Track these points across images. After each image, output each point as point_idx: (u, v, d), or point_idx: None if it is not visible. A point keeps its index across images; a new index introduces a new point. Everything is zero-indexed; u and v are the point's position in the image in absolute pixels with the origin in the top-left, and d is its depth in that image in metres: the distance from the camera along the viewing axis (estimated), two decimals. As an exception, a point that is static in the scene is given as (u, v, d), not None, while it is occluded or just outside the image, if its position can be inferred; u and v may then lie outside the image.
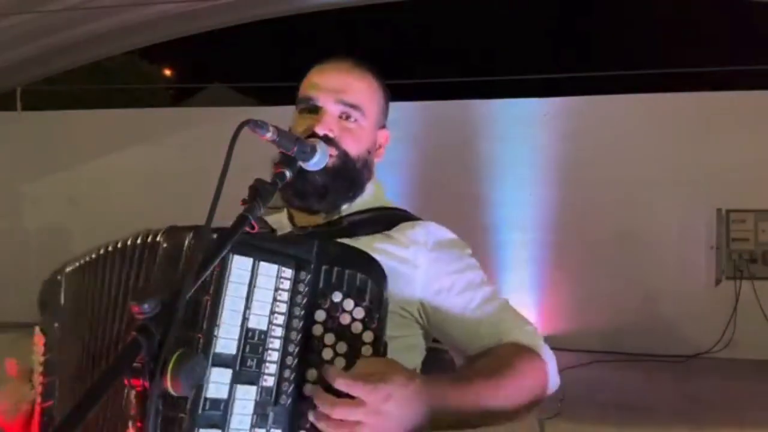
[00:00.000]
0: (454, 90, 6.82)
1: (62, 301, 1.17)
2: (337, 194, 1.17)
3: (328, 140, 1.14)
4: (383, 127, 1.28)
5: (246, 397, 0.88)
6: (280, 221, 1.24)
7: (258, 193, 0.95)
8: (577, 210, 5.74)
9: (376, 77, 1.25)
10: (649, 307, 5.67)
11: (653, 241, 5.66)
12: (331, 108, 1.18)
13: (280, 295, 0.92)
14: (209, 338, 0.86)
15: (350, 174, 1.18)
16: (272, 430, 0.89)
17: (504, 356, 1.04)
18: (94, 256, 1.10)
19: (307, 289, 0.94)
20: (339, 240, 1.06)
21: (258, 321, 0.90)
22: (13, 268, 6.69)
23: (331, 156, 1.13)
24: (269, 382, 0.90)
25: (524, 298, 5.78)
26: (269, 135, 1.01)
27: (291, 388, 0.91)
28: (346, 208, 1.21)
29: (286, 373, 0.91)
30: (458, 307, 1.12)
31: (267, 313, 0.91)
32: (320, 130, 1.15)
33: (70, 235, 6.82)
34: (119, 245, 1.05)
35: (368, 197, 1.24)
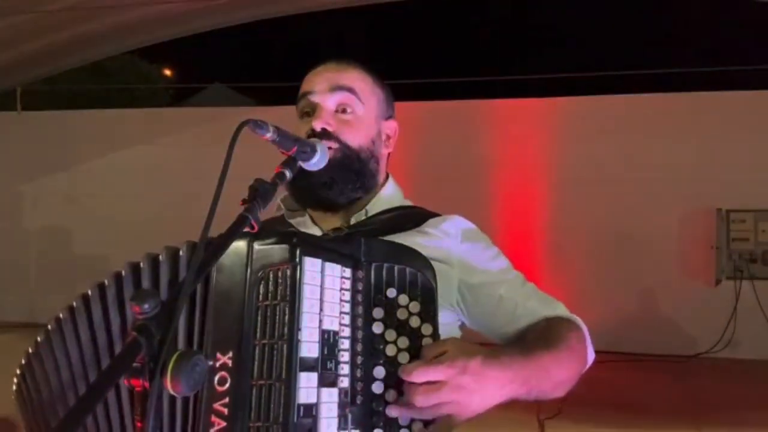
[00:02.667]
0: (454, 90, 6.83)
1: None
2: (343, 184, 1.16)
3: (326, 134, 1.14)
4: (389, 118, 1.27)
5: (330, 399, 0.89)
6: (304, 224, 1.23)
7: (258, 193, 0.94)
8: (576, 210, 5.74)
9: (369, 71, 1.24)
10: (649, 307, 5.67)
11: (653, 241, 5.66)
12: (327, 102, 1.17)
13: (343, 295, 0.94)
14: (293, 343, 0.87)
15: (353, 165, 1.17)
16: (352, 430, 0.91)
17: (551, 328, 1.09)
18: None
19: (363, 287, 0.96)
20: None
21: (330, 322, 0.92)
22: (13, 268, 6.70)
23: (330, 149, 1.13)
24: (345, 383, 0.91)
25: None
26: (269, 135, 1.00)
27: (363, 387, 0.92)
28: (371, 206, 1.21)
29: (358, 373, 0.93)
30: (495, 293, 1.16)
31: (336, 313, 0.93)
32: (317, 126, 1.14)
33: (70, 235, 6.83)
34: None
35: (392, 195, 1.26)
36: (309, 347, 0.89)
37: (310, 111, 1.18)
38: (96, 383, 0.70)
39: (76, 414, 0.67)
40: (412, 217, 1.20)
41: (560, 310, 1.18)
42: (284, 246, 0.91)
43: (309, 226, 1.22)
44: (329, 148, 1.12)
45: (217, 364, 0.90)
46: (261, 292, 0.91)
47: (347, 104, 1.18)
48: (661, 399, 4.51)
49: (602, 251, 5.67)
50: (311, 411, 0.87)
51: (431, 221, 1.19)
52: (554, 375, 1.02)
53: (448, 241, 1.16)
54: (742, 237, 5.56)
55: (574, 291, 5.77)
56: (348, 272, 0.95)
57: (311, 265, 0.91)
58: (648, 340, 5.51)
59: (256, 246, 0.93)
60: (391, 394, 0.92)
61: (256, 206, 0.92)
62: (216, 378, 0.89)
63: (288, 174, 1.03)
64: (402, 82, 6.44)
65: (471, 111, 6.16)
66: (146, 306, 0.75)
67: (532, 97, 6.21)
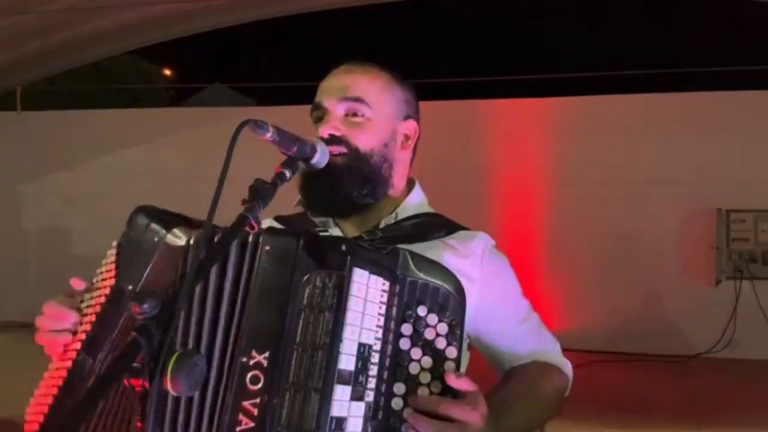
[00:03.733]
0: (454, 90, 6.83)
1: None
2: (350, 189, 1.15)
3: (335, 139, 1.13)
4: (408, 117, 1.24)
5: (357, 413, 0.89)
6: (326, 223, 1.22)
7: (258, 193, 0.94)
8: (577, 210, 5.74)
9: (384, 70, 1.23)
10: (649, 307, 5.67)
11: (653, 241, 5.66)
12: (336, 108, 1.17)
13: (380, 308, 0.93)
14: (333, 354, 0.87)
15: (362, 169, 1.15)
16: None
17: (536, 379, 1.17)
18: None
19: (398, 302, 0.95)
20: (417, 252, 1.04)
21: (367, 336, 0.91)
22: (13, 268, 6.70)
23: (340, 154, 1.13)
24: (370, 397, 0.91)
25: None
26: (269, 135, 1.00)
27: (384, 402, 0.92)
28: (400, 210, 1.20)
29: (382, 388, 0.92)
30: (505, 322, 1.19)
31: (373, 327, 0.92)
32: (324, 132, 1.14)
33: (69, 235, 6.83)
34: None
35: (420, 203, 1.25)
36: (347, 360, 0.88)
37: (322, 116, 1.18)
38: (96, 383, 0.70)
39: (78, 414, 0.67)
40: (440, 227, 1.20)
41: (555, 354, 1.23)
42: (335, 253, 0.91)
43: (331, 226, 1.21)
44: (339, 153, 1.12)
45: (251, 362, 0.88)
46: (306, 295, 0.90)
47: (356, 110, 1.17)
48: (661, 399, 4.51)
49: (602, 251, 5.67)
50: (341, 425, 0.87)
51: (460, 234, 1.19)
52: (526, 427, 1.13)
53: (472, 260, 1.15)
54: (742, 237, 5.56)
55: (574, 291, 5.78)
56: (387, 285, 0.94)
57: (359, 277, 0.91)
58: (648, 340, 5.51)
59: (306, 248, 0.91)
60: (408, 411, 0.92)
61: (256, 206, 0.92)
62: (248, 376, 0.88)
63: (288, 174, 1.02)
64: (402, 82, 6.43)
65: (471, 111, 6.16)
66: (146, 306, 0.75)
67: (532, 97, 6.20)
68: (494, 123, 6.04)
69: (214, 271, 0.93)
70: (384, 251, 0.97)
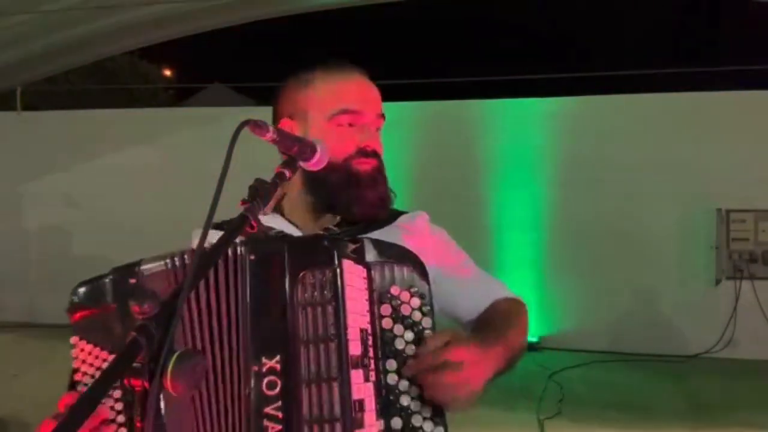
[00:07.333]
0: (454, 90, 6.82)
1: None
2: (385, 196, 1.24)
3: (377, 155, 1.22)
4: None
5: (370, 393, 0.96)
6: (277, 224, 1.23)
7: (258, 193, 0.94)
8: (576, 210, 5.74)
9: None
10: (649, 307, 5.67)
11: (653, 241, 5.66)
12: (376, 123, 1.24)
13: (365, 294, 1.01)
14: (342, 342, 0.93)
15: (386, 177, 1.25)
16: (379, 420, 0.96)
17: (508, 310, 1.27)
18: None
19: (375, 286, 1.02)
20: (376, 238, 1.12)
21: (362, 321, 0.98)
22: (13, 268, 6.70)
23: (375, 167, 1.21)
24: (373, 376, 0.98)
25: (524, 298, 5.78)
26: (269, 135, 1.00)
27: (383, 379, 0.99)
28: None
29: (380, 366, 0.99)
30: (460, 281, 1.28)
31: (365, 312, 0.99)
32: (379, 149, 1.23)
33: (69, 235, 6.82)
34: None
35: None
36: (354, 346, 0.95)
37: (356, 123, 1.22)
38: (96, 383, 0.70)
39: (78, 414, 0.67)
40: (386, 216, 1.28)
41: (507, 290, 1.34)
42: (320, 249, 0.97)
43: (279, 222, 1.24)
44: (374, 167, 1.21)
45: (264, 369, 0.92)
46: (300, 294, 0.94)
47: (381, 126, 1.26)
48: (661, 399, 4.51)
49: (602, 251, 5.67)
50: (362, 406, 0.93)
51: (403, 218, 1.29)
52: (518, 346, 1.18)
53: (419, 236, 1.24)
54: (742, 237, 5.56)
55: (575, 291, 5.79)
56: (365, 273, 1.01)
57: (348, 267, 0.97)
58: (648, 340, 5.51)
59: (291, 249, 0.96)
60: (403, 384, 0.99)
61: (256, 206, 0.92)
62: (264, 382, 0.91)
63: (288, 174, 1.03)
64: (402, 82, 6.44)
65: (471, 111, 6.16)
66: (146, 306, 0.75)
67: (533, 97, 6.20)
68: (494, 123, 6.04)
69: (204, 290, 0.96)
70: (352, 242, 1.03)
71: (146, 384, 0.74)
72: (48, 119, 7.05)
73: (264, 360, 0.92)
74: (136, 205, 6.29)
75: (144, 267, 1.03)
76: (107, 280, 1.04)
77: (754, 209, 5.52)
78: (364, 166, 1.20)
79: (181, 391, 0.74)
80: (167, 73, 19.50)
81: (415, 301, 1.02)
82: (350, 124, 1.21)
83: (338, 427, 0.91)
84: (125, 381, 0.75)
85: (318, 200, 1.22)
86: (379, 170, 1.22)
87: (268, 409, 0.90)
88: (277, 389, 0.91)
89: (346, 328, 0.94)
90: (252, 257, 0.96)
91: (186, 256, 1.01)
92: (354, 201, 1.20)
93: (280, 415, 0.90)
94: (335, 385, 0.92)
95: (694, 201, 5.60)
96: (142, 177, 6.40)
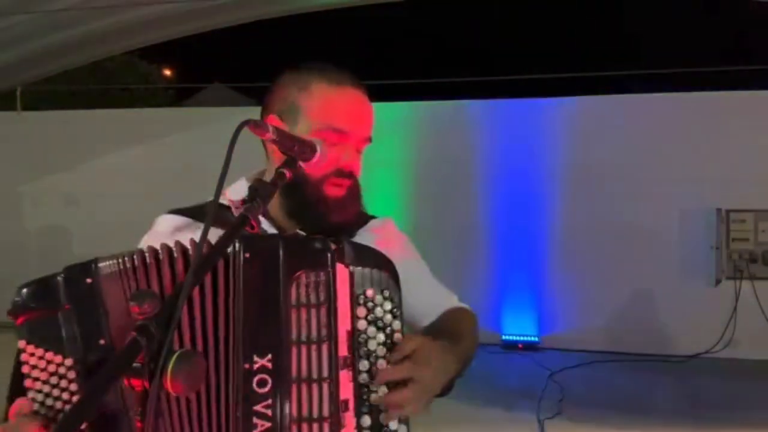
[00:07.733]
0: (455, 90, 6.82)
1: None
2: (351, 216, 1.24)
3: (353, 176, 1.23)
4: None
5: (354, 393, 0.99)
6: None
7: (258, 193, 0.95)
8: (576, 210, 5.73)
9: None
10: (649, 307, 5.67)
11: (653, 240, 5.66)
12: (361, 146, 1.24)
13: (348, 297, 1.03)
14: (332, 344, 0.97)
15: (359, 196, 1.26)
16: (354, 418, 0.99)
17: (460, 319, 1.33)
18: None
19: (353, 288, 1.03)
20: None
21: (348, 322, 1.01)
22: (12, 268, 6.69)
23: (348, 189, 1.21)
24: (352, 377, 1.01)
25: (524, 298, 5.78)
26: (269, 135, 1.01)
27: (356, 379, 1.02)
28: None
29: (356, 366, 1.01)
30: (419, 287, 1.30)
31: (348, 313, 1.01)
32: (357, 171, 1.23)
33: (69, 235, 6.82)
34: None
35: None
36: (342, 347, 0.98)
37: (338, 143, 1.20)
38: (96, 383, 0.70)
39: (78, 414, 0.67)
40: (359, 221, 1.30)
41: (456, 300, 1.40)
42: (315, 251, 1.00)
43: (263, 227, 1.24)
44: (347, 188, 1.21)
45: (255, 367, 0.92)
46: (294, 294, 0.96)
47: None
48: (661, 399, 4.51)
49: (602, 251, 5.67)
50: (347, 405, 0.97)
51: (373, 222, 1.33)
52: (472, 351, 1.26)
53: (385, 240, 1.26)
54: (742, 237, 5.55)
55: (575, 291, 5.78)
56: (347, 274, 1.03)
57: (340, 270, 1.00)
58: (648, 340, 5.51)
59: (287, 249, 0.97)
60: (372, 384, 1.01)
61: (256, 206, 0.92)
62: (255, 380, 0.92)
63: (288, 174, 1.03)
64: (402, 82, 6.44)
65: (471, 111, 6.16)
66: (146, 306, 0.75)
67: (533, 97, 6.20)
68: (494, 123, 6.04)
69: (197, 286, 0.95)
70: (333, 243, 1.04)
71: (146, 384, 0.74)
72: (48, 119, 7.05)
73: (256, 358, 0.92)
74: (136, 206, 6.28)
75: (101, 265, 1.02)
76: (59, 279, 1.04)
77: (754, 209, 5.51)
78: (336, 191, 1.19)
79: (181, 391, 0.74)
80: (167, 73, 19.51)
81: (388, 304, 1.04)
82: (333, 143, 1.18)
83: (326, 426, 0.93)
84: (125, 381, 0.75)
85: (289, 206, 1.21)
86: (351, 192, 1.22)
87: (259, 407, 0.91)
88: (268, 387, 0.92)
89: (337, 330, 0.96)
90: (246, 255, 0.96)
91: (147, 255, 0.99)
92: (319, 221, 1.20)
93: (269, 413, 0.91)
94: (325, 386, 0.94)
95: (694, 201, 5.60)
96: (142, 177, 6.40)
